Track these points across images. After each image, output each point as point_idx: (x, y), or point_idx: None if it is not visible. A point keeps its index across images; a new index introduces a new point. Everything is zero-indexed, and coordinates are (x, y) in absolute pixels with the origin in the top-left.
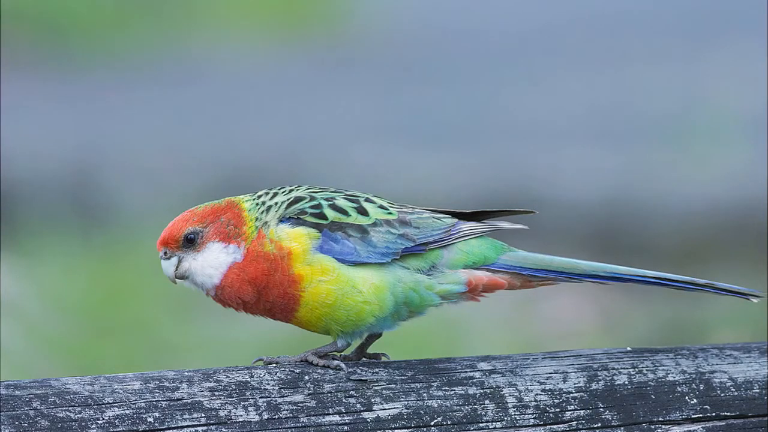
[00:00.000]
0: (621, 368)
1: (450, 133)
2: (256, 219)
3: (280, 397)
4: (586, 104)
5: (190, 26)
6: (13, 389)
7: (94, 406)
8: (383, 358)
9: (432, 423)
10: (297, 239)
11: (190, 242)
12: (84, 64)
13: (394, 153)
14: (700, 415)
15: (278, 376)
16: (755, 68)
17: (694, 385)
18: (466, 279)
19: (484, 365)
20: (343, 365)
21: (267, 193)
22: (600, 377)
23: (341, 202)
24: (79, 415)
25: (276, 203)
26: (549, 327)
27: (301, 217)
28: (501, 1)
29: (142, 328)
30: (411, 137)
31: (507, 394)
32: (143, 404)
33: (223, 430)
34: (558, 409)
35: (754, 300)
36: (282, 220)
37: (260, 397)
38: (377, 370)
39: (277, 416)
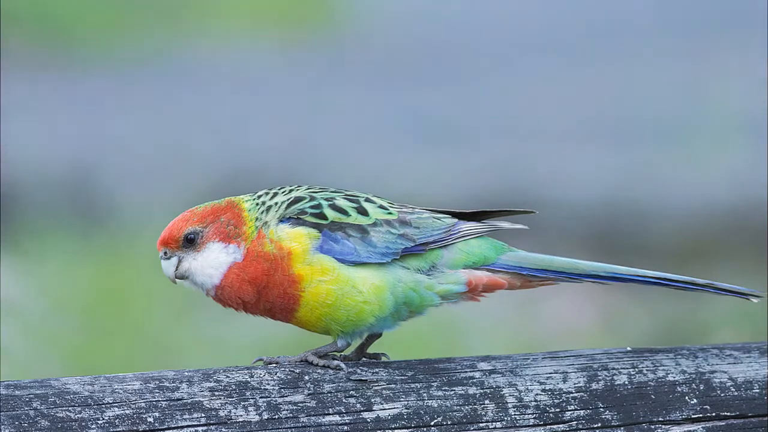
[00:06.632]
0: (621, 368)
1: (450, 134)
2: (256, 219)
3: (280, 397)
4: (586, 104)
5: (189, 27)
6: (13, 389)
7: (94, 406)
8: (383, 358)
9: (432, 423)
10: (297, 239)
11: (190, 242)
12: (84, 64)
13: (394, 153)
14: (700, 415)
15: (278, 376)
16: (756, 68)
17: (694, 385)
18: (466, 279)
19: (484, 365)
20: (343, 365)
21: (267, 193)
22: (600, 377)
23: (341, 202)
24: (79, 415)
25: (276, 203)
26: (549, 327)
27: (301, 217)
28: (501, 1)
29: (142, 328)
30: (411, 137)
31: (507, 394)
32: (143, 404)
33: (223, 430)
34: (558, 409)
35: (754, 300)
36: (282, 220)
37: (260, 397)
38: (377, 370)
39: (277, 416)
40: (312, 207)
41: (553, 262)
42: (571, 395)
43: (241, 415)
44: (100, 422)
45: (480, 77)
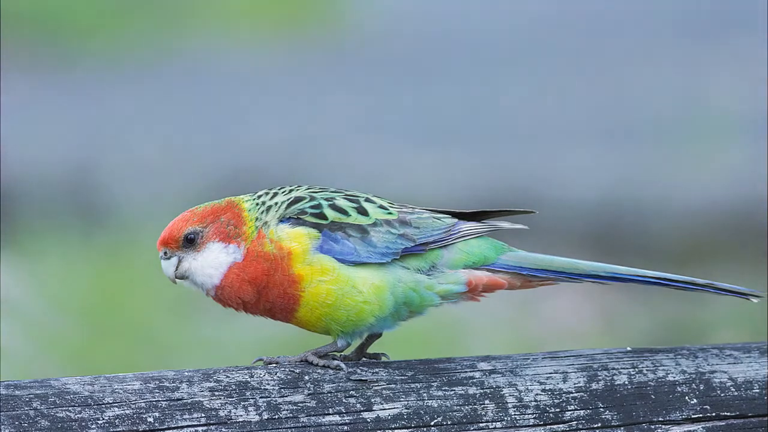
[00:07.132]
0: (621, 368)
1: (450, 133)
2: (256, 219)
3: (280, 397)
4: (586, 104)
5: (189, 26)
6: (13, 389)
7: (94, 406)
8: (383, 358)
9: (432, 423)
10: (297, 239)
11: (190, 242)
12: (84, 65)
13: (394, 153)
14: (700, 415)
15: (278, 376)
16: (755, 68)
17: (694, 385)
18: (466, 279)
19: (484, 365)
20: (343, 365)
21: (267, 193)
22: (600, 377)
23: (341, 202)
24: (79, 415)
25: (276, 203)
26: (549, 327)
27: (301, 217)
28: (501, 1)
29: (142, 328)
30: (411, 137)
31: (507, 394)
32: (143, 404)
33: (223, 430)
34: (558, 409)
35: (754, 300)
36: (282, 220)
37: (260, 397)
38: (377, 370)
39: (277, 416)
40: (312, 207)
41: (553, 262)
42: (571, 395)
43: (241, 415)
44: (100, 422)
45: (480, 77)
